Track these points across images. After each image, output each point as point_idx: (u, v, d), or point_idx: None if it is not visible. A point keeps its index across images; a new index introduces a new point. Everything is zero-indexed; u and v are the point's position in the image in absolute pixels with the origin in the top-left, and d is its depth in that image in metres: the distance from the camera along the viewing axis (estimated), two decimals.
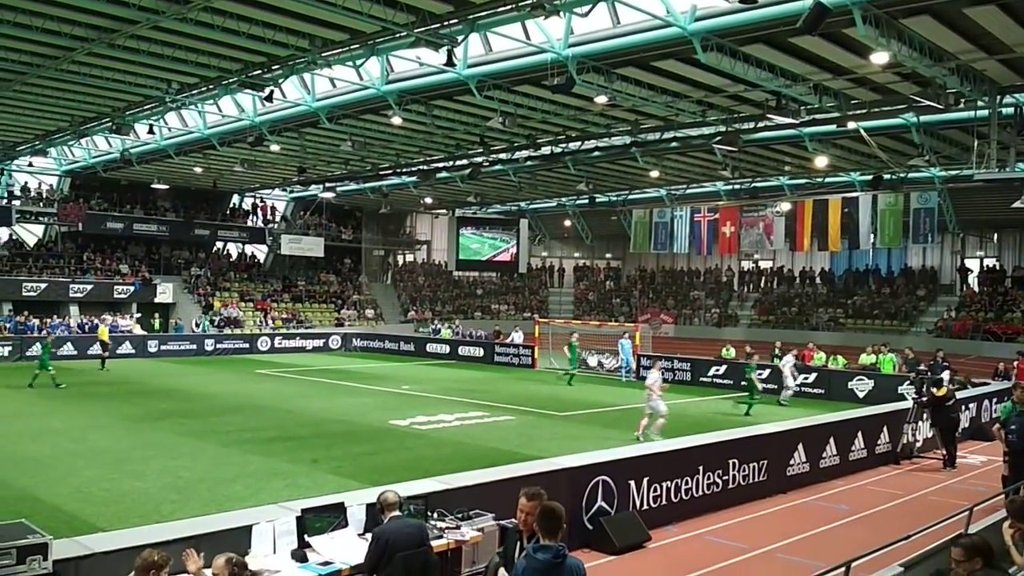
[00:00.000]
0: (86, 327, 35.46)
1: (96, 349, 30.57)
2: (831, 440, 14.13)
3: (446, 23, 17.17)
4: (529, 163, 32.29)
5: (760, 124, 24.10)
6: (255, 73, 20.91)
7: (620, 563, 9.42)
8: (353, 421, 18.89)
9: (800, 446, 13.40)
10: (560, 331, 37.38)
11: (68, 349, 32.48)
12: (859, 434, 14.91)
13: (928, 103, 19.54)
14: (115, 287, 38.80)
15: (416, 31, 17.04)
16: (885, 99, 21.50)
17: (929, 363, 23.41)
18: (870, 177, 31.28)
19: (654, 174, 34.12)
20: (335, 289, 49.08)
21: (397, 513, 6.77)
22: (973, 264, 42.38)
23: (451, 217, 49.24)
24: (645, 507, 10.58)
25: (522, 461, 11.48)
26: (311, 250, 46.11)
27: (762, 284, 49.50)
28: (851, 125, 23.63)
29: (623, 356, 30.11)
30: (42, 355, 24.60)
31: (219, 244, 47.67)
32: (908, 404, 16.67)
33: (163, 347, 34.92)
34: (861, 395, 23.60)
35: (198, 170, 36.87)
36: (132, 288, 39.11)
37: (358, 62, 20.31)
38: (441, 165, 32.79)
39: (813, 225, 35.96)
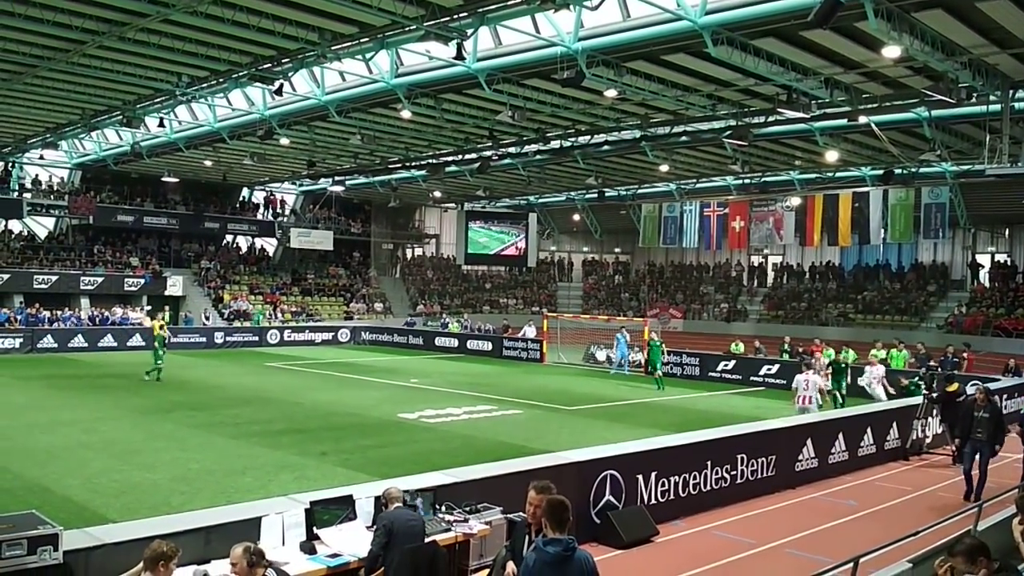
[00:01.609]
0: (97, 319, 35.70)
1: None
2: (840, 436, 14.10)
3: (456, 16, 17.13)
4: (538, 157, 32.25)
5: (770, 118, 23.97)
6: (265, 66, 20.90)
7: (628, 557, 9.42)
8: (362, 414, 18.94)
9: (809, 441, 13.38)
10: (568, 326, 37.40)
11: (79, 341, 32.69)
12: (868, 430, 14.88)
13: (940, 97, 19.35)
14: (125, 280, 38.96)
15: (426, 24, 17.01)
16: (896, 93, 21.37)
17: (940, 359, 23.35)
18: (881, 172, 31.09)
19: (664, 168, 34.01)
20: (344, 282, 49.19)
21: (399, 505, 6.94)
22: (984, 259, 42.14)
23: (460, 211, 49.23)
24: (653, 502, 10.59)
25: (530, 455, 11.49)
26: (320, 243, 46.18)
27: (771, 279, 49.36)
28: (862, 119, 23.48)
29: (619, 350, 30.11)
30: (157, 348, 24.38)
31: (229, 237, 47.78)
32: (918, 400, 16.63)
33: (173, 339, 35.01)
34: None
35: (208, 163, 36.95)
36: (142, 281, 39.27)
37: (368, 55, 20.27)
38: (450, 159, 32.74)
39: (823, 220, 35.82)
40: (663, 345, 27.97)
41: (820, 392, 17.18)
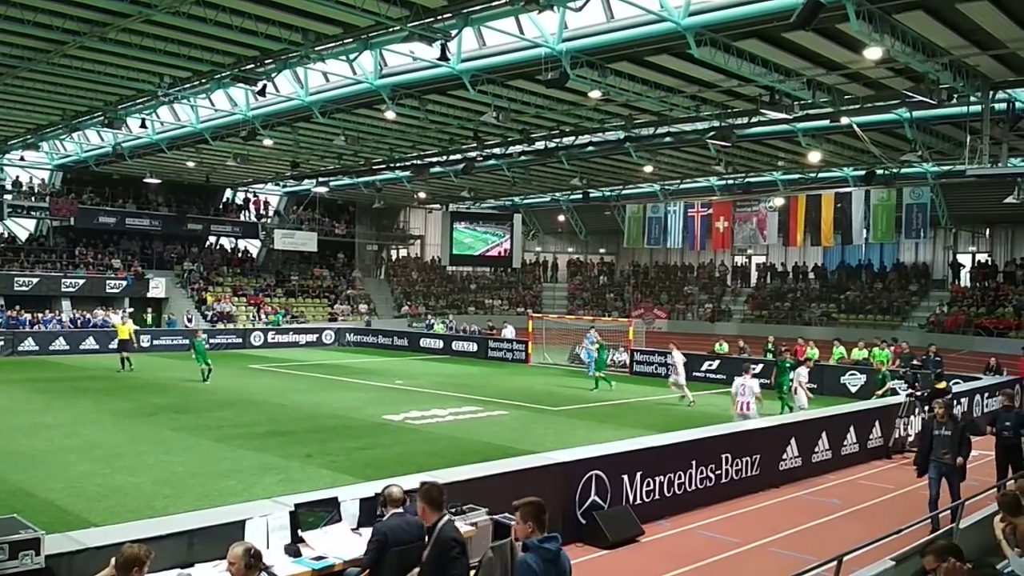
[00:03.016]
0: (78, 322, 35.43)
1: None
2: (823, 435, 14.18)
3: (440, 17, 17.12)
4: (523, 158, 32.26)
5: (753, 119, 24.09)
6: (248, 67, 20.79)
7: (613, 557, 9.44)
8: (347, 416, 18.88)
9: (793, 440, 13.45)
10: (553, 326, 37.44)
11: (60, 344, 32.43)
12: (851, 429, 14.97)
13: (921, 99, 19.54)
14: (107, 282, 38.69)
15: (410, 25, 16.99)
16: (878, 94, 21.52)
17: (922, 358, 23.52)
18: (863, 172, 31.34)
19: (648, 169, 34.12)
20: (328, 284, 49.03)
21: (400, 510, 6.68)
22: (965, 259, 42.53)
23: (445, 212, 49.18)
24: (638, 501, 10.62)
25: (515, 456, 11.50)
26: (304, 245, 46.01)
27: (755, 279, 49.59)
28: (844, 120, 23.64)
29: (586, 352, 29.82)
30: (197, 351, 25.29)
31: (212, 239, 47.56)
32: (900, 399, 16.75)
33: (156, 342, 34.85)
34: (854, 390, 23.66)
35: (191, 164, 36.74)
36: (124, 283, 39.02)
37: (351, 56, 20.23)
38: (435, 160, 32.71)
39: (806, 220, 36.05)
40: (601, 344, 27.92)
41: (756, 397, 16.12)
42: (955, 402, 18.04)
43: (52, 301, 37.02)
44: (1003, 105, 21.60)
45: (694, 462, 11.51)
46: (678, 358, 23.19)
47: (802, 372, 19.30)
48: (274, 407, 19.94)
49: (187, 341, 35.38)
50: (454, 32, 17.79)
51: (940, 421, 10.91)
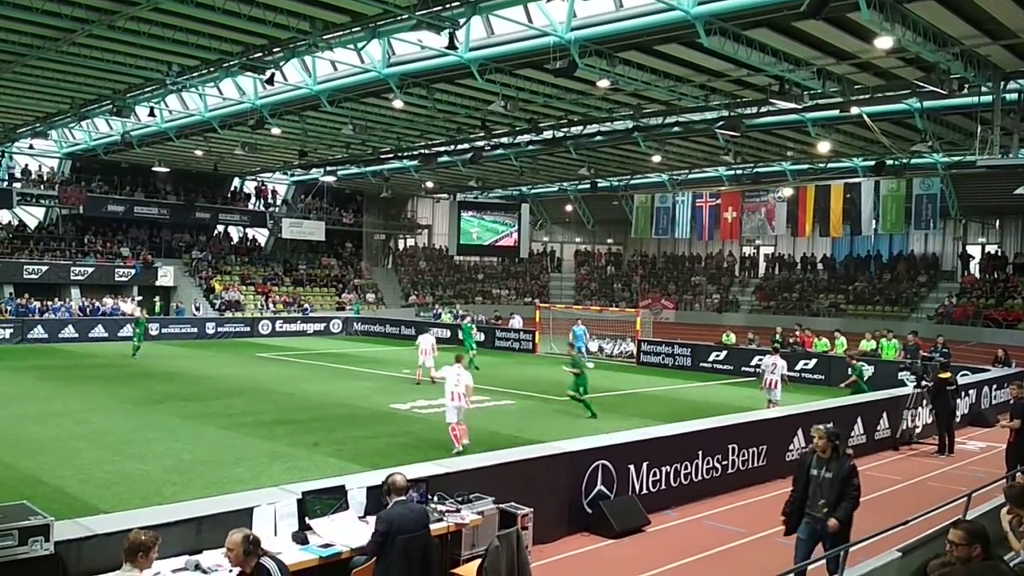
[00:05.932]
0: (87, 310, 35.58)
1: None
2: (830, 426, 14.14)
3: (448, 5, 17.08)
4: (531, 147, 32.21)
5: (763, 109, 24.01)
6: (256, 56, 20.81)
7: (619, 547, 9.46)
8: (354, 405, 18.94)
9: (799, 431, 13.42)
10: (561, 316, 37.43)
11: (69, 332, 32.58)
12: (859, 420, 14.95)
13: (931, 88, 19.44)
14: (116, 270, 38.88)
15: (418, 13, 16.96)
16: (888, 84, 21.40)
17: (930, 349, 23.45)
18: (872, 163, 31.17)
19: (656, 159, 34.00)
20: (336, 273, 49.10)
21: (403, 498, 6.77)
22: (975, 250, 42.30)
23: (452, 201, 49.18)
24: (644, 491, 10.63)
25: (522, 445, 11.52)
26: (312, 234, 46.10)
27: (763, 270, 49.46)
28: (854, 110, 23.52)
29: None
30: (137, 331, 27.84)
31: (220, 227, 47.67)
32: (908, 390, 16.71)
33: (164, 330, 34.97)
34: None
35: (199, 153, 36.79)
36: (133, 271, 39.18)
37: (359, 45, 20.21)
38: (442, 149, 32.69)
39: (815, 211, 35.92)
40: (473, 328, 27.72)
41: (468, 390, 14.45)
42: (963, 394, 17.94)
43: (61, 289, 37.19)
44: (1014, 95, 21.49)
45: (701, 452, 11.52)
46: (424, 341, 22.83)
47: (777, 363, 17.88)
48: (282, 395, 20.01)
49: (195, 329, 35.94)
50: (462, 20, 17.77)
51: (821, 457, 7.68)
